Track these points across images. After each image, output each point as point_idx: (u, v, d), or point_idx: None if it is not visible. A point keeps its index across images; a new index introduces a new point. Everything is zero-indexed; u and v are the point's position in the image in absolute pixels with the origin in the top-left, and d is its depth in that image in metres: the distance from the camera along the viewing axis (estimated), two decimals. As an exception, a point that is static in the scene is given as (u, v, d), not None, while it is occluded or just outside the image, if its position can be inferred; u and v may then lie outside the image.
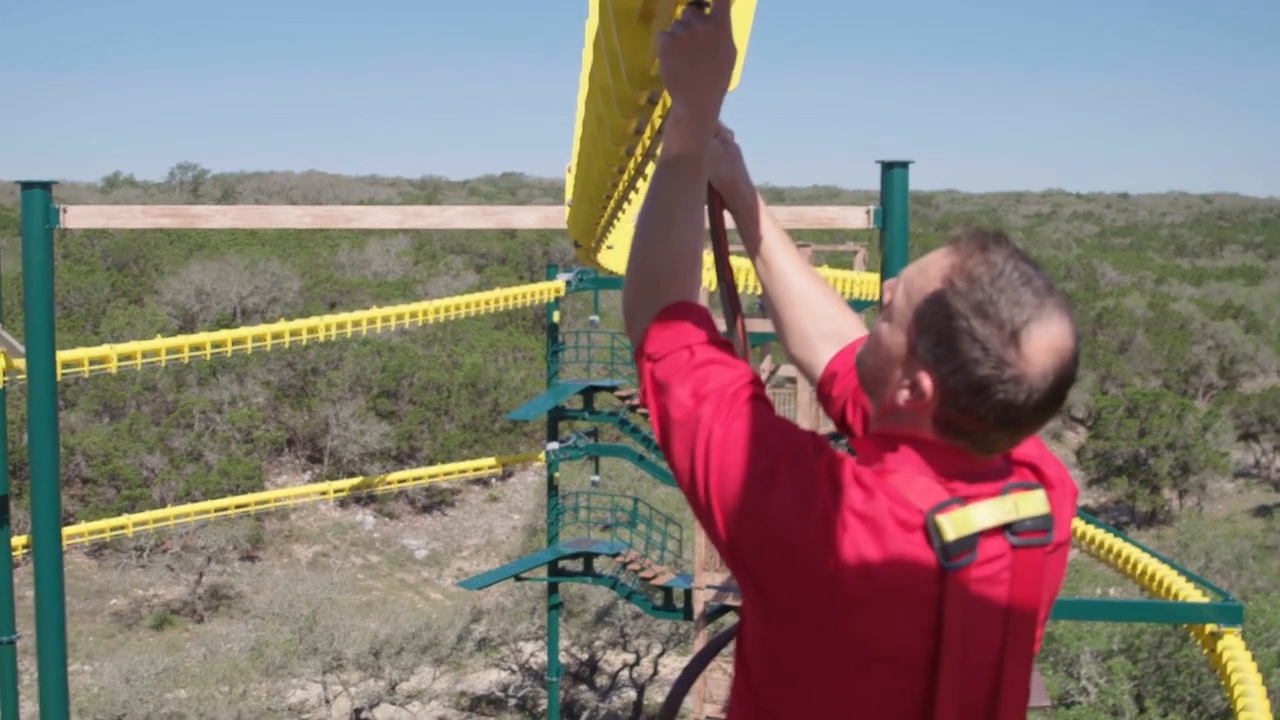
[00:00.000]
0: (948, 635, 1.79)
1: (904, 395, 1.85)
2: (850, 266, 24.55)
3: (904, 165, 12.34)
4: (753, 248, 2.37)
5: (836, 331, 2.27)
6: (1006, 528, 1.83)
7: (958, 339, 1.77)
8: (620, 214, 4.70)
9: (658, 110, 2.49)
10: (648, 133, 2.75)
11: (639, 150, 3.07)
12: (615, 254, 9.44)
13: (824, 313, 2.32)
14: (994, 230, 1.85)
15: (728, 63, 1.99)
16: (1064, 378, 1.78)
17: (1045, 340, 1.76)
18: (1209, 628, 12.67)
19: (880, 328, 1.92)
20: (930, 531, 1.77)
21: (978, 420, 1.79)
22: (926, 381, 1.81)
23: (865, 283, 21.44)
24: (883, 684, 1.82)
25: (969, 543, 1.79)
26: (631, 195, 4.05)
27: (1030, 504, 1.86)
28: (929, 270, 1.85)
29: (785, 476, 1.78)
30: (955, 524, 1.78)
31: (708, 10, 1.94)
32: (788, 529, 1.75)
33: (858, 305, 23.91)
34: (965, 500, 1.81)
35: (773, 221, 2.35)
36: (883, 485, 1.79)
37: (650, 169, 3.23)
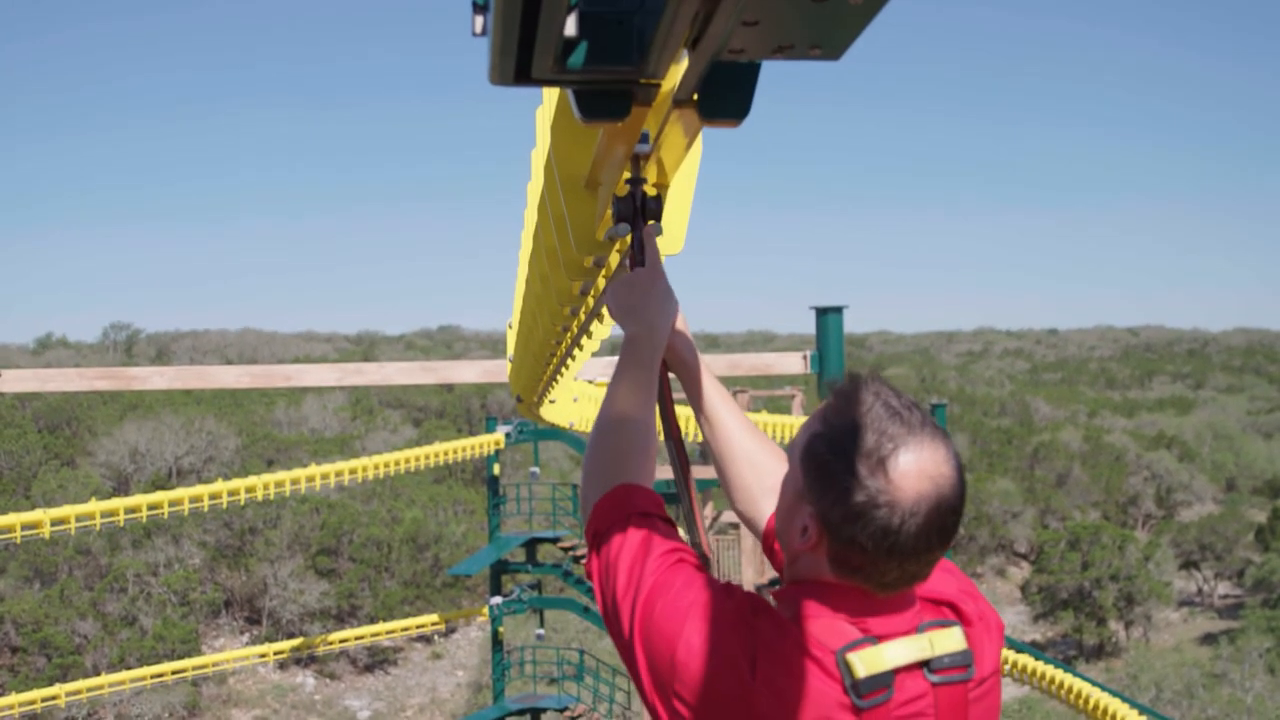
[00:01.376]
0: None
1: (799, 539, 1.90)
2: (789, 411, 24.72)
3: (838, 310, 12.55)
4: (696, 406, 2.43)
5: (777, 485, 2.30)
6: (924, 665, 1.84)
7: (831, 472, 1.83)
8: (564, 370, 4.72)
9: (603, 273, 2.52)
10: (592, 294, 2.79)
11: (583, 310, 3.10)
12: (557, 408, 9.46)
13: (766, 468, 2.36)
14: (867, 372, 1.94)
15: (668, 294, 2.22)
16: (941, 502, 1.82)
17: (915, 466, 1.80)
18: (1164, 763, 12.62)
19: (784, 481, 1.99)
20: (841, 670, 1.78)
21: (861, 551, 1.81)
22: (812, 520, 1.86)
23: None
24: None
25: (883, 680, 1.79)
26: (575, 352, 4.07)
27: (946, 641, 1.88)
28: (811, 418, 1.94)
29: (700, 620, 1.82)
30: (866, 662, 1.79)
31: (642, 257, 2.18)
32: (704, 670, 1.79)
33: (798, 448, 24.07)
34: (878, 639, 1.82)
35: (713, 380, 2.42)
36: (795, 626, 1.83)
37: (595, 327, 3.27)
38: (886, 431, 1.82)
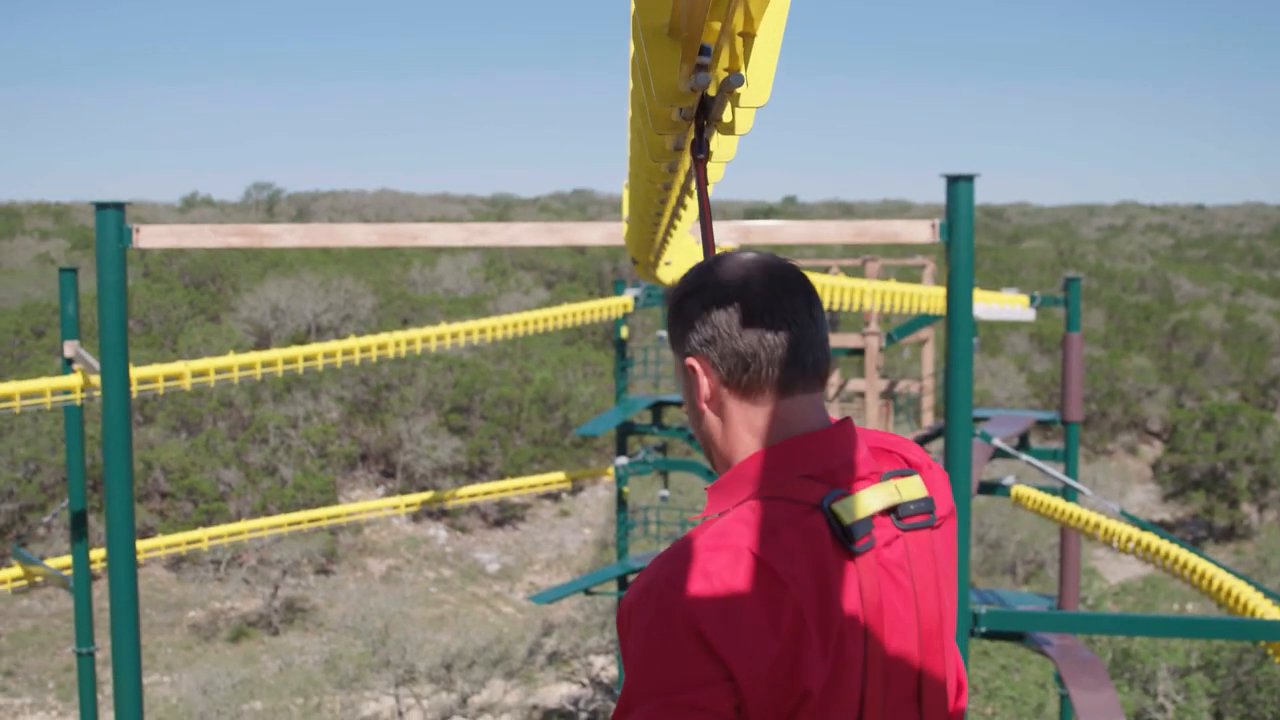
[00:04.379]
0: (869, 617, 1.84)
1: (700, 404, 1.97)
2: (919, 280, 24.46)
3: (969, 179, 12.30)
4: None
5: None
6: (892, 511, 1.91)
7: (679, 316, 1.98)
8: (673, 230, 4.75)
9: (691, 128, 2.54)
10: (686, 149, 2.80)
11: (680, 168, 3.12)
12: (673, 269, 9.42)
13: None
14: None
15: None
16: (770, 265, 1.95)
17: (726, 269, 1.95)
18: (1286, 644, 12.48)
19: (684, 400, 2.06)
20: (828, 518, 1.84)
21: (733, 339, 1.91)
22: (692, 364, 1.97)
23: (933, 297, 21.31)
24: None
25: (865, 526, 1.85)
26: (681, 212, 4.09)
27: (910, 488, 1.94)
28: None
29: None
30: (848, 510, 1.85)
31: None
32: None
33: (926, 319, 23.79)
34: (848, 490, 1.88)
35: None
36: (762, 507, 1.86)
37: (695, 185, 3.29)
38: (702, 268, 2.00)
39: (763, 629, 1.77)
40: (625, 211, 5.94)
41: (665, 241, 5.29)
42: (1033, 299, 24.47)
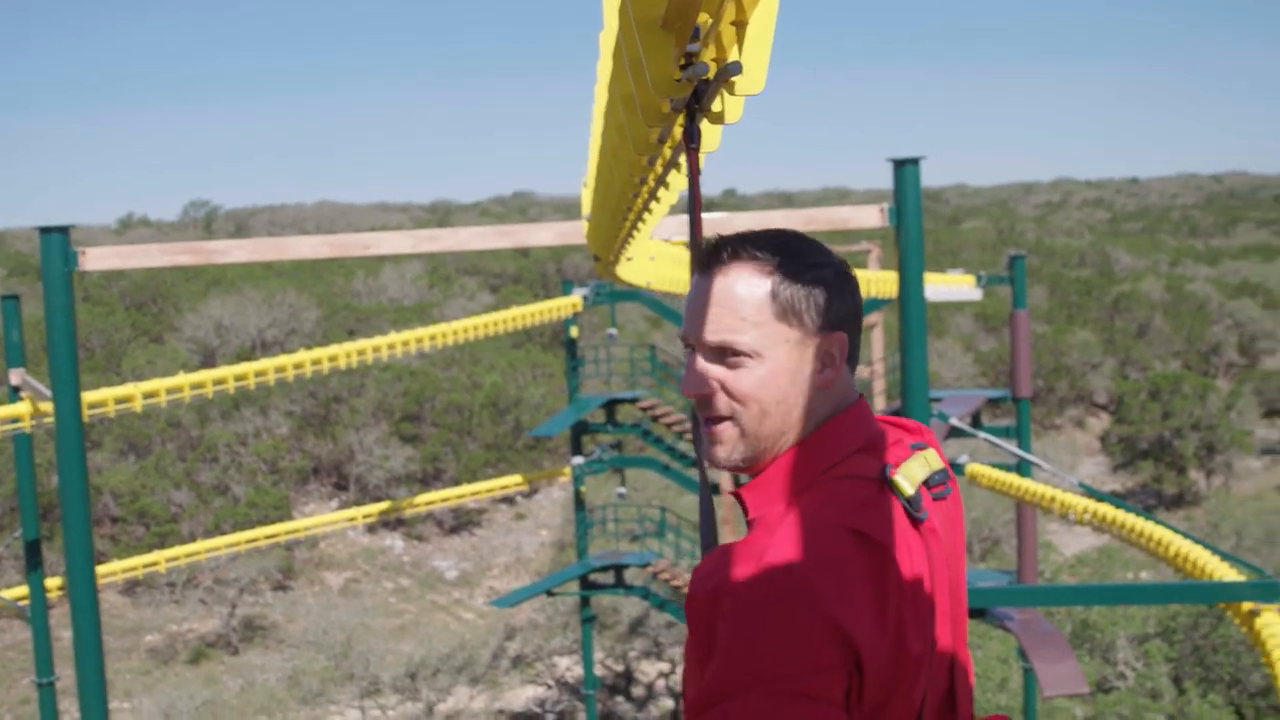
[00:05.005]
0: (931, 581, 1.91)
1: (826, 374, 1.97)
2: (865, 265, 24.64)
3: (915, 162, 12.40)
4: None
5: None
6: (925, 483, 1.97)
7: (821, 294, 1.96)
8: (640, 225, 4.76)
9: (679, 119, 2.55)
10: (669, 142, 2.81)
11: (660, 161, 3.13)
12: (634, 266, 9.45)
13: None
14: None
15: None
16: (839, 266, 2.03)
17: (821, 247, 2.03)
18: (1246, 606, 12.63)
19: (759, 383, 1.96)
20: (895, 490, 1.90)
21: (858, 326, 2.02)
22: (842, 336, 1.98)
23: (882, 281, 21.47)
24: None
25: (920, 497, 1.92)
26: (653, 206, 4.10)
27: (934, 459, 2.01)
28: (750, 286, 1.97)
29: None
30: (907, 480, 1.91)
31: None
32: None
33: (875, 304, 23.94)
34: (894, 465, 1.93)
35: None
36: (842, 486, 1.90)
37: (671, 178, 3.31)
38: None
39: (880, 609, 1.80)
40: (586, 209, 5.95)
41: (630, 237, 5.31)
42: (979, 278, 24.71)
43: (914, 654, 1.84)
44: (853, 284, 1.98)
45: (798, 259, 1.96)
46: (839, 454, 1.92)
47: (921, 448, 2.00)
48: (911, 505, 1.89)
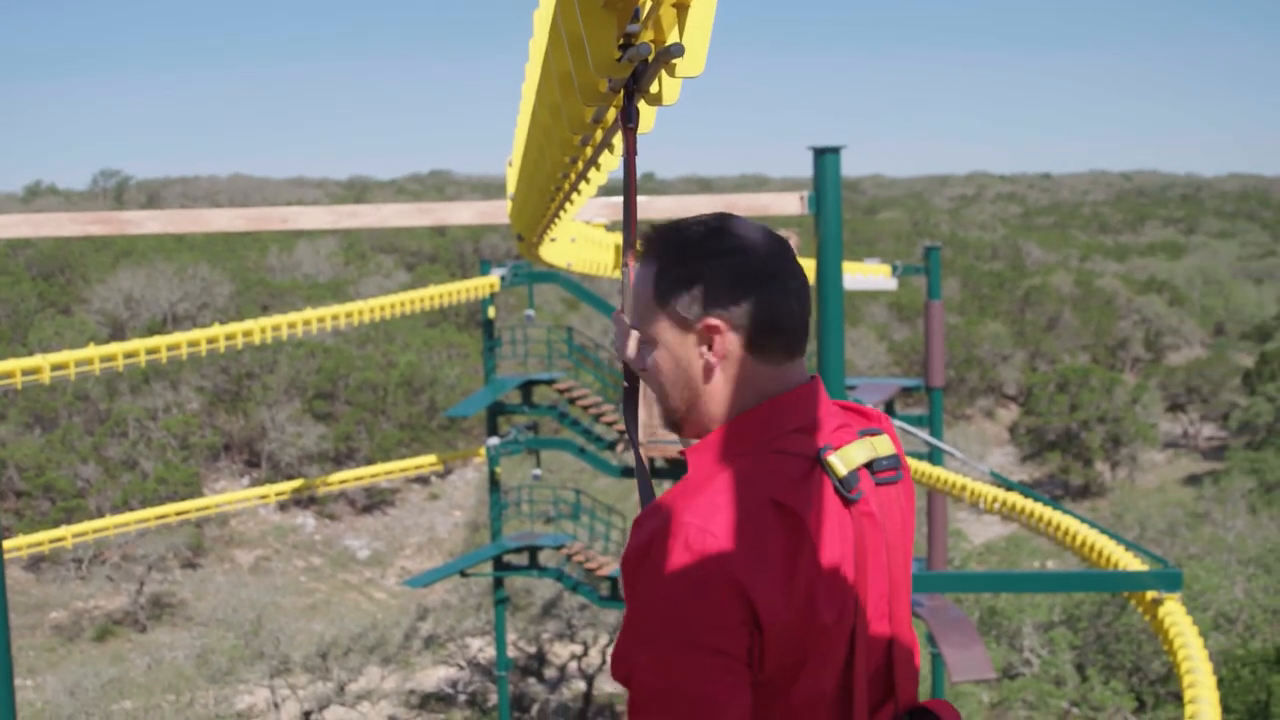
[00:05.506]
0: (859, 560, 1.97)
1: (719, 356, 2.01)
2: (783, 252, 24.81)
3: (835, 150, 12.51)
4: None
5: None
6: (868, 466, 2.02)
7: (703, 280, 1.99)
8: (567, 206, 4.77)
9: (616, 99, 2.57)
10: (603, 123, 2.83)
11: (591, 143, 3.14)
12: (557, 247, 9.48)
13: None
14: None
15: None
16: (778, 241, 2.06)
17: (743, 233, 2.03)
18: (1150, 595, 12.91)
19: (654, 364, 2.08)
20: (827, 470, 1.95)
21: (768, 314, 2.00)
22: (717, 323, 2.00)
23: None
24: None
25: (855, 479, 1.97)
26: (582, 186, 4.11)
27: (882, 444, 2.05)
28: (643, 276, 2.09)
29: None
30: (844, 461, 1.96)
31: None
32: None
33: (792, 290, 24.16)
34: (834, 444, 1.99)
35: None
36: (770, 458, 1.96)
37: (603, 159, 3.32)
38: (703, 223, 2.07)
39: (788, 575, 1.87)
40: (511, 189, 5.95)
41: (556, 218, 5.31)
42: (895, 268, 24.99)
43: (825, 625, 1.91)
44: (767, 274, 2.00)
45: (686, 249, 2.02)
46: (775, 431, 1.98)
47: (874, 433, 2.07)
48: (843, 485, 1.95)
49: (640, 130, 2.86)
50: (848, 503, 1.96)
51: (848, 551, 1.95)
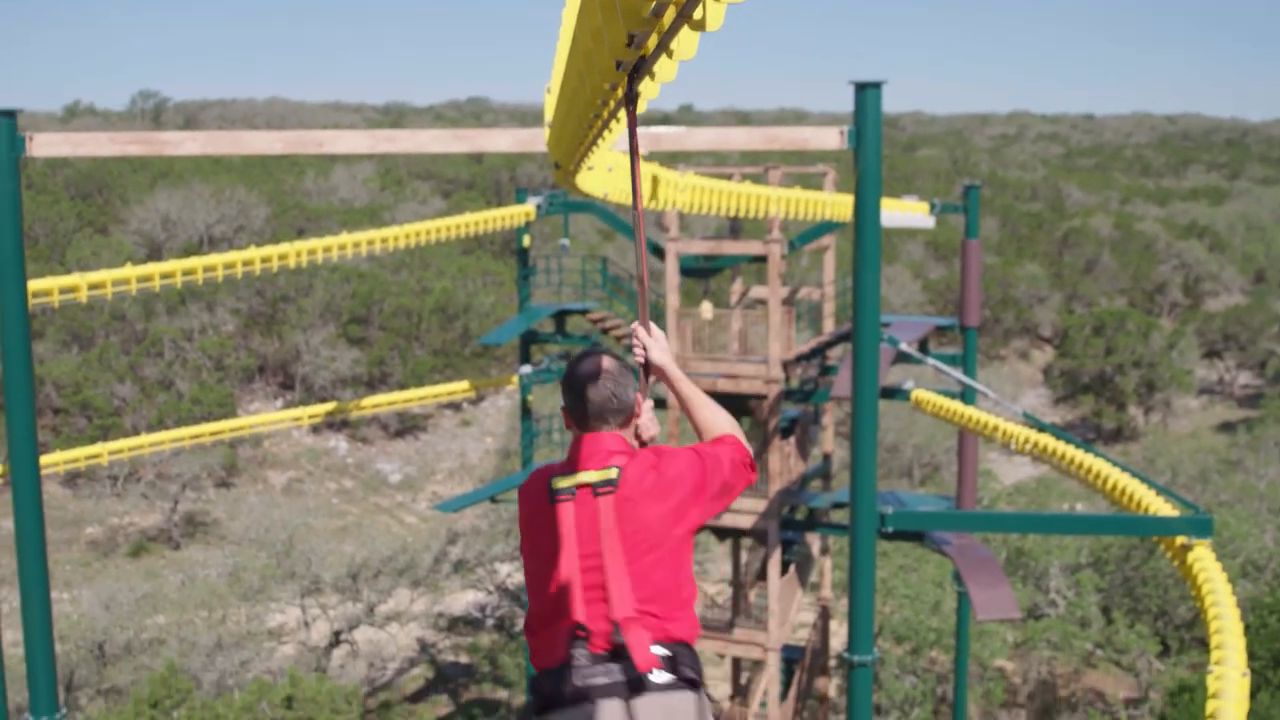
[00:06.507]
0: (561, 534, 3.55)
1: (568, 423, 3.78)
2: (820, 188, 24.60)
3: (877, 86, 12.38)
4: (680, 402, 3.95)
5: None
6: (592, 486, 3.54)
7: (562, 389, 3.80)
8: (605, 134, 4.73)
9: (661, 21, 2.55)
10: (645, 48, 2.80)
11: (631, 67, 3.11)
12: (594, 176, 9.42)
13: (706, 429, 3.94)
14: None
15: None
16: (581, 374, 3.66)
17: (575, 368, 3.71)
18: (1179, 540, 12.89)
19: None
20: (549, 484, 3.62)
21: (567, 401, 3.73)
22: (563, 409, 3.79)
23: (837, 204, 21.46)
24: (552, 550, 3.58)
25: (569, 490, 3.56)
26: (621, 114, 4.08)
27: (608, 475, 3.55)
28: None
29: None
30: (561, 481, 3.59)
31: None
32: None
33: (829, 226, 23.94)
34: (575, 471, 3.58)
35: (686, 381, 3.93)
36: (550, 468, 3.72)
37: (643, 86, 3.30)
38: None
39: (521, 503, 3.74)
40: (549, 116, 5.93)
41: (594, 146, 5.29)
42: (933, 206, 24.76)
43: (523, 548, 3.73)
44: (569, 384, 3.70)
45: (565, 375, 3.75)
46: (566, 456, 3.69)
47: (609, 468, 3.57)
48: (550, 491, 3.60)
49: (681, 57, 2.85)
50: (552, 497, 3.58)
51: (541, 519, 3.61)
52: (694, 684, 3.48)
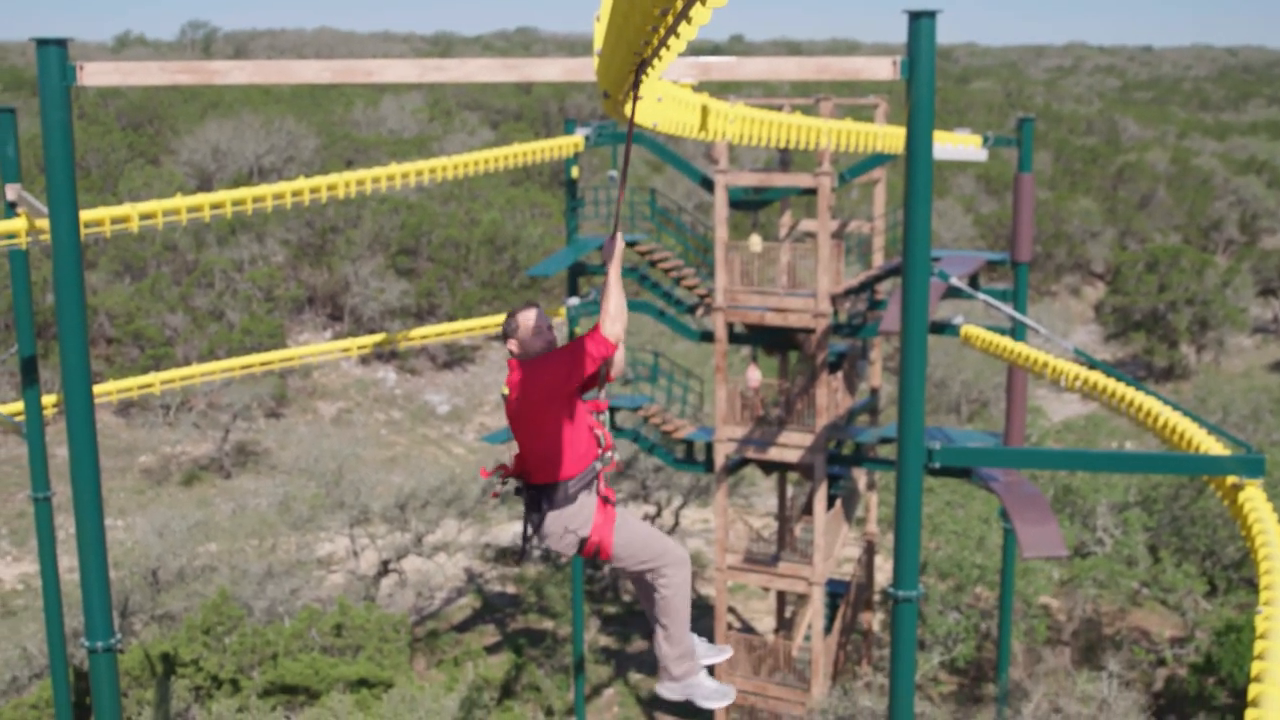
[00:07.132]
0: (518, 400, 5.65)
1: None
2: (872, 119, 24.34)
3: (931, 15, 12.15)
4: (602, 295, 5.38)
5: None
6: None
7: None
8: (655, 63, 4.68)
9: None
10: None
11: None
12: (642, 106, 9.35)
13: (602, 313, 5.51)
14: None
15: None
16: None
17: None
18: (1230, 479, 12.73)
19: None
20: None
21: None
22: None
23: (889, 136, 21.22)
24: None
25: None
26: (671, 41, 4.03)
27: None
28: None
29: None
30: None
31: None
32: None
33: (879, 159, 23.71)
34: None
35: (615, 275, 5.44)
36: None
37: (694, 12, 3.26)
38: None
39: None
40: (598, 44, 5.86)
41: (643, 75, 5.23)
42: (985, 139, 24.45)
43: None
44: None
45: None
46: None
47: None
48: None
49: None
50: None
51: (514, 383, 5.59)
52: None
